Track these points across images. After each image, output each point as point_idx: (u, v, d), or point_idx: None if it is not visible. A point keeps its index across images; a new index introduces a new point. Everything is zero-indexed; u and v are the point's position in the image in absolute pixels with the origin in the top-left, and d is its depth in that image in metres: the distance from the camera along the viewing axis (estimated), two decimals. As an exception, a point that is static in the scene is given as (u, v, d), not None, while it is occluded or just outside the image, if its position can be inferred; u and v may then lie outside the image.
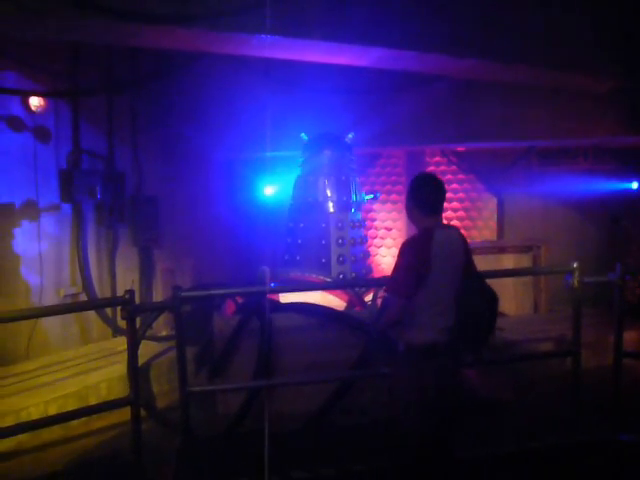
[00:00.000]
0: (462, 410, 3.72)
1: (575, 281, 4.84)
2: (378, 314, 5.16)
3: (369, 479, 4.33)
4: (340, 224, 7.65)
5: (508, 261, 8.56)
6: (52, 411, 5.00)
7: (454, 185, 10.04)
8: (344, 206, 7.74)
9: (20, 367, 5.95)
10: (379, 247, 10.45)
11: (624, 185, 9.32)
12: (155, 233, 8.04)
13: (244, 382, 5.20)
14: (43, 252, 6.52)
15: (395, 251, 3.70)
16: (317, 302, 6.05)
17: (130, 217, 7.74)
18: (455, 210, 10.13)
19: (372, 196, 8.54)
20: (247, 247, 9.44)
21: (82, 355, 6.43)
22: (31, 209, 6.43)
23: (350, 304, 6.94)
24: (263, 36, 4.90)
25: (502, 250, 8.77)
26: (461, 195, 10.14)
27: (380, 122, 8.10)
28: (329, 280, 7.27)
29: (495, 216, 9.93)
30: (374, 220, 10.47)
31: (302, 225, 7.82)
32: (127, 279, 7.68)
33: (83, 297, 6.97)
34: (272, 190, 9.82)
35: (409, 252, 3.40)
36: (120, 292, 6.86)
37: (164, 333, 7.74)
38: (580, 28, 6.29)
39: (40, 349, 6.38)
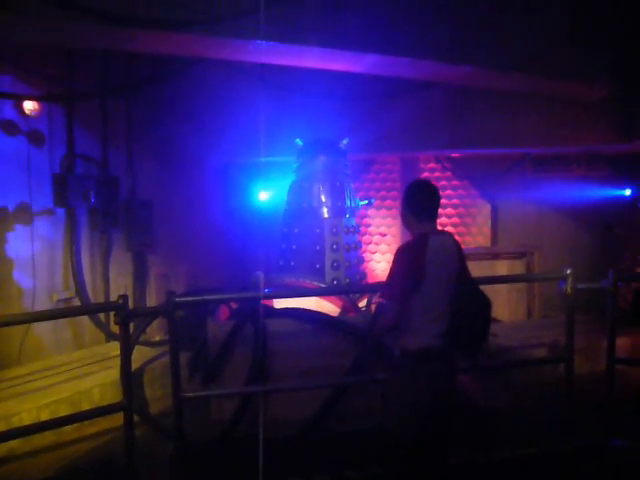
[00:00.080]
0: (456, 416, 3.72)
1: (568, 287, 4.86)
2: (372, 320, 5.20)
3: (363, 485, 4.32)
4: (334, 230, 7.66)
5: (502, 267, 8.59)
6: (44, 417, 4.97)
7: (448, 191, 10.07)
8: (338, 212, 7.75)
9: (12, 372, 5.92)
10: (373, 253, 10.46)
11: (617, 192, 9.37)
12: (149, 238, 8.02)
13: (238, 388, 5.19)
14: (36, 256, 6.49)
15: (389, 257, 3.72)
16: (311, 308, 6.05)
17: (124, 222, 7.73)
18: (449, 216, 10.16)
19: (366, 202, 8.56)
20: (241, 252, 9.43)
21: (75, 360, 6.41)
22: (25, 213, 6.41)
23: (344, 310, 6.93)
24: (259, 42, 4.91)
25: (496, 256, 8.80)
26: (455, 201, 10.17)
27: (375, 128, 8.12)
28: (323, 286, 7.26)
29: (489, 222, 9.97)
30: (368, 226, 10.49)
31: (296, 231, 7.82)
32: (121, 284, 7.66)
33: (76, 302, 6.94)
34: (267, 195, 9.82)
35: (404, 258, 3.41)
36: (113, 297, 6.82)
37: (158, 338, 7.72)
38: (575, 37, 6.33)
39: (32, 354, 6.34)
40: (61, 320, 6.56)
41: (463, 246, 3.76)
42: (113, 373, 5.65)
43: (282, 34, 5.03)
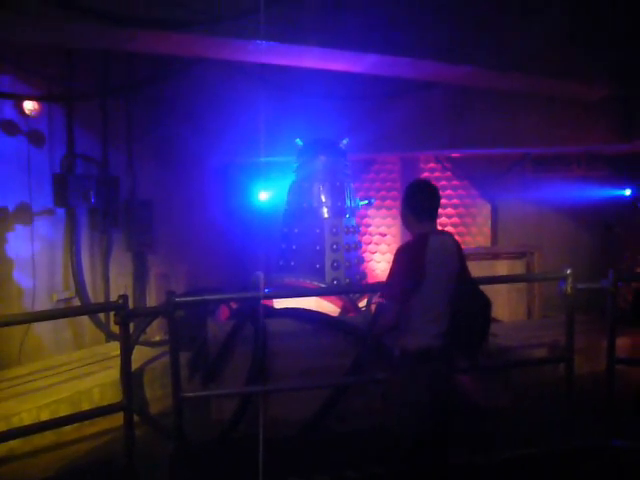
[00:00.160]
0: (456, 416, 3.72)
1: (568, 287, 4.86)
2: (372, 320, 5.20)
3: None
4: (334, 230, 7.66)
5: (502, 267, 8.59)
6: (44, 417, 4.96)
7: (448, 191, 10.07)
8: (338, 212, 7.75)
9: (12, 372, 5.91)
10: (373, 253, 10.46)
11: (617, 192, 9.37)
12: (149, 238, 8.02)
13: (238, 388, 5.19)
14: (36, 256, 6.49)
15: (389, 257, 3.72)
16: (311, 308, 6.05)
17: (124, 222, 7.73)
18: (449, 216, 10.16)
19: (366, 202, 8.56)
20: (241, 252, 9.43)
21: (75, 360, 6.40)
22: (25, 213, 6.41)
23: (344, 310, 6.94)
24: (259, 42, 4.91)
25: (496, 256, 8.79)
26: (455, 201, 10.17)
27: (375, 128, 8.12)
28: (323, 286, 7.26)
29: (489, 222, 9.97)
30: (368, 226, 10.49)
31: (296, 230, 7.82)
32: (121, 284, 7.65)
33: (76, 302, 6.94)
34: (267, 195, 9.82)
35: (404, 258, 3.41)
36: (113, 297, 6.82)
37: (158, 338, 7.71)
38: (575, 37, 6.33)
39: (32, 354, 6.34)
40: (61, 320, 6.56)
41: (463, 246, 3.77)
42: (113, 373, 5.64)
43: (282, 34, 5.03)
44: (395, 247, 3.98)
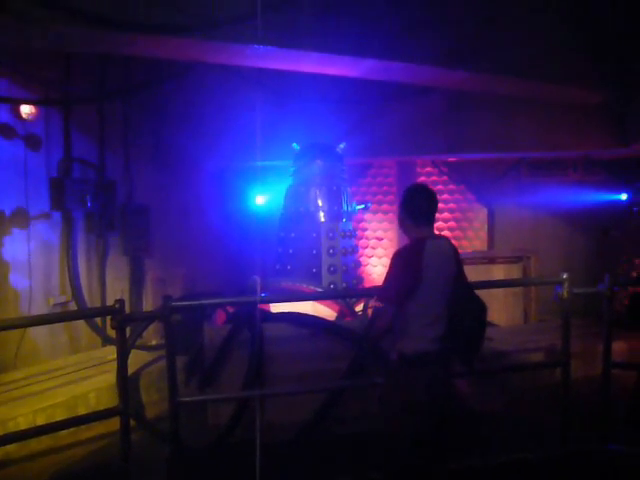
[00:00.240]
0: (453, 420, 3.72)
1: (565, 292, 4.87)
2: (369, 324, 5.20)
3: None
4: (331, 234, 7.67)
5: (498, 271, 8.60)
6: (40, 421, 4.95)
7: (445, 195, 10.09)
8: (335, 216, 7.77)
9: (8, 376, 5.90)
10: (370, 257, 10.46)
11: (613, 196, 9.39)
12: (146, 242, 8.01)
13: (234, 392, 5.18)
14: (33, 260, 6.48)
15: (386, 261, 3.72)
16: (308, 312, 6.05)
17: (121, 225, 7.72)
18: (446, 220, 10.17)
19: (363, 206, 8.58)
20: (238, 256, 9.42)
21: (71, 364, 6.38)
22: (21, 217, 6.40)
23: (341, 314, 6.94)
24: (256, 46, 4.92)
25: (492, 260, 8.80)
26: (452, 205, 10.19)
27: (371, 132, 8.15)
28: (320, 290, 7.27)
29: (485, 226, 9.99)
30: (365, 230, 10.49)
31: (293, 235, 7.84)
32: (117, 288, 7.65)
33: (72, 306, 6.93)
34: (264, 199, 9.82)
35: (401, 262, 3.42)
36: (110, 301, 6.84)
37: (154, 342, 7.70)
38: (574, 42, 6.36)
39: (28, 358, 6.33)
40: (57, 324, 6.54)
41: (460, 250, 3.78)
42: (109, 377, 5.64)
43: (279, 39, 5.04)
44: (391, 251, 4.00)
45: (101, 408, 5.17)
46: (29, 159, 6.46)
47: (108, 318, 5.25)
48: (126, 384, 4.32)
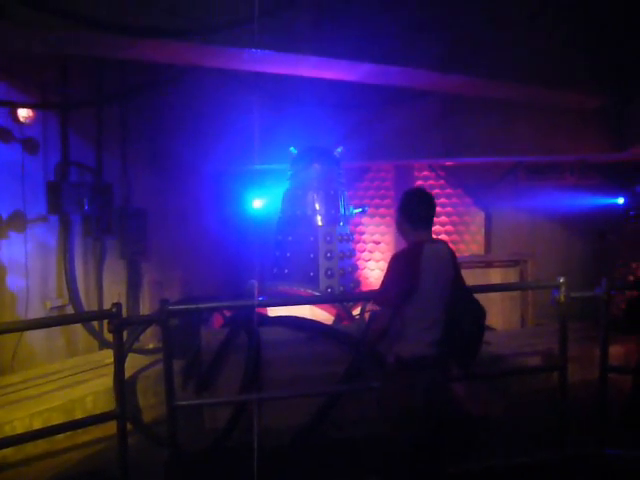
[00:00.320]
0: (451, 424, 3.72)
1: (562, 296, 4.87)
2: (366, 327, 5.20)
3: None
4: (328, 238, 7.67)
5: (495, 275, 8.61)
6: (37, 425, 4.94)
7: (442, 199, 10.09)
8: (333, 220, 7.77)
9: (5, 380, 5.88)
10: (367, 261, 10.46)
11: (610, 200, 9.41)
12: (143, 245, 8.01)
13: (231, 396, 5.18)
14: (30, 263, 6.47)
15: (383, 265, 3.73)
16: (305, 316, 6.05)
17: (118, 229, 7.71)
18: (443, 224, 10.18)
19: (360, 210, 8.58)
20: (236, 260, 9.43)
21: (68, 368, 6.37)
22: (18, 220, 6.39)
23: (338, 318, 6.94)
24: (254, 50, 4.93)
25: (489, 264, 8.82)
26: (449, 209, 10.20)
27: (369, 136, 8.15)
28: (317, 294, 7.27)
29: (482, 230, 10.00)
30: (362, 234, 10.50)
31: (290, 238, 7.84)
32: (114, 291, 7.63)
33: (69, 309, 6.91)
34: (261, 203, 9.83)
35: (398, 265, 3.43)
36: (107, 304, 6.82)
37: (151, 346, 7.67)
38: (573, 46, 6.38)
39: (25, 362, 6.31)
40: (54, 327, 6.53)
41: (457, 254, 3.78)
42: (106, 381, 5.63)
43: (277, 43, 5.05)
44: (389, 255, 4.01)
45: (98, 412, 5.14)
46: (26, 162, 6.46)
47: (105, 322, 5.26)
48: (123, 388, 4.31)
